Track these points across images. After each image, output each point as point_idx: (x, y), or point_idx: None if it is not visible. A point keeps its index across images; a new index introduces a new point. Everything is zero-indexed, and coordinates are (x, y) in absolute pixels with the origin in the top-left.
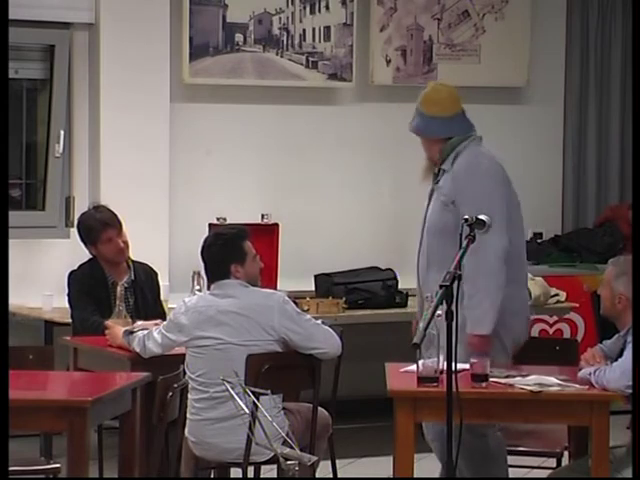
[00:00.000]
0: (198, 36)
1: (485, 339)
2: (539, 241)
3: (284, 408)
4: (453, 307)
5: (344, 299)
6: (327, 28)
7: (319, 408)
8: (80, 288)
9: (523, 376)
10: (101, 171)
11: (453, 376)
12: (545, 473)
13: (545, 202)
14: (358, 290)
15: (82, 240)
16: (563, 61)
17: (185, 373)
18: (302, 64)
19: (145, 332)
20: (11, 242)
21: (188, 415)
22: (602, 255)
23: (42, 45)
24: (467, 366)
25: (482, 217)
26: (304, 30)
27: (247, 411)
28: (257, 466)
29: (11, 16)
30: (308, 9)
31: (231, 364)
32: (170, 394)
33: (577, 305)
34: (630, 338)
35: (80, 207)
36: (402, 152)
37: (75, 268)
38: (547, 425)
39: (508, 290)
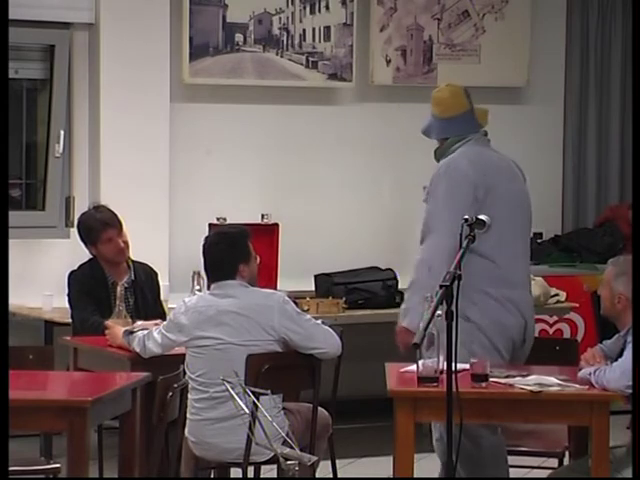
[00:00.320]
0: (198, 36)
1: (408, 333)
2: (539, 241)
3: (284, 408)
4: (453, 307)
5: (344, 299)
6: (327, 28)
7: (319, 408)
8: (80, 288)
9: (523, 376)
10: (101, 171)
11: (453, 376)
12: (545, 473)
13: (545, 202)
14: (358, 290)
15: (82, 240)
16: (563, 61)
17: (185, 373)
18: (302, 64)
19: (145, 332)
20: (11, 242)
21: (188, 415)
22: (602, 255)
23: (42, 45)
24: (467, 366)
25: (482, 217)
26: (304, 30)
27: (247, 411)
28: (257, 466)
29: (11, 16)
30: (308, 9)
31: (231, 364)
32: (170, 394)
33: (577, 305)
34: (630, 338)
35: (80, 207)
36: (402, 152)
37: (75, 268)
38: (547, 425)
39: (498, 291)
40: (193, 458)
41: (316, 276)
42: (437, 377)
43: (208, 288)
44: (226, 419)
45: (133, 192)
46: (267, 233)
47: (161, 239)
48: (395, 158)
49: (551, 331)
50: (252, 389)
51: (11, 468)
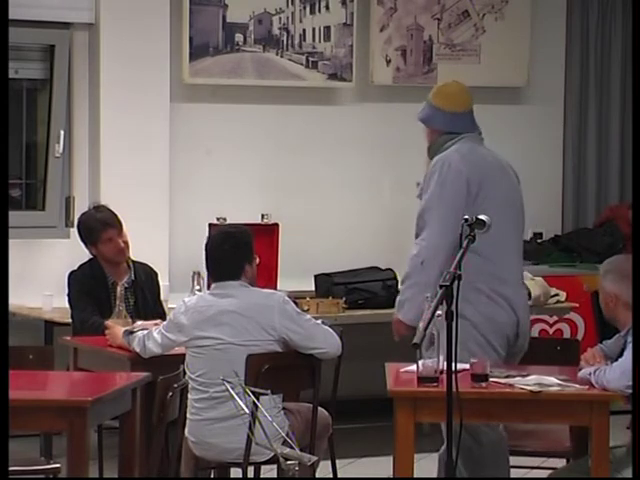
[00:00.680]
0: (198, 36)
1: (402, 324)
2: (539, 241)
3: (284, 408)
4: (453, 307)
5: (344, 299)
6: (327, 28)
7: (319, 408)
8: (80, 288)
9: (523, 376)
10: (101, 171)
11: (453, 376)
12: (545, 473)
13: (545, 202)
14: (358, 290)
15: (82, 240)
16: (563, 61)
17: (185, 373)
18: (302, 64)
19: (145, 332)
20: (11, 242)
21: (188, 415)
22: (602, 255)
23: (42, 45)
24: (467, 366)
25: (482, 217)
26: (304, 30)
27: (247, 411)
28: (257, 466)
29: (11, 16)
30: (308, 9)
31: (231, 364)
32: (170, 394)
33: (577, 305)
34: (630, 338)
35: (80, 207)
36: (402, 152)
37: (75, 268)
38: (548, 425)
39: (490, 287)
40: (193, 458)
41: (316, 276)
42: (437, 377)
43: (208, 288)
44: (226, 419)
45: (133, 192)
46: (267, 233)
47: (161, 239)
48: (395, 158)
49: (551, 331)
50: (252, 389)
51: (11, 468)
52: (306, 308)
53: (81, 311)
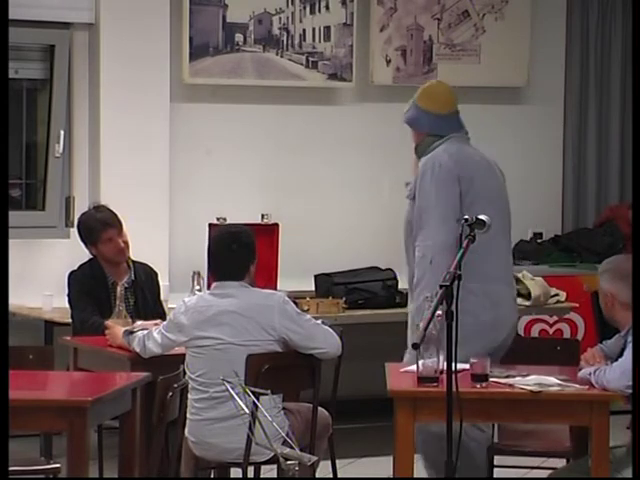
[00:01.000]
0: (198, 36)
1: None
2: (539, 241)
3: (284, 408)
4: (453, 307)
5: (344, 299)
6: (327, 28)
7: (319, 408)
8: (80, 288)
9: (523, 376)
10: (101, 171)
11: (453, 376)
12: (545, 473)
13: (545, 202)
14: (358, 290)
15: (82, 240)
16: (563, 61)
17: (185, 373)
18: (302, 64)
19: (145, 332)
20: (11, 242)
21: (188, 415)
22: (602, 255)
23: (42, 45)
24: (467, 366)
25: (482, 217)
26: (304, 30)
27: (247, 411)
28: (257, 466)
29: (11, 16)
30: (308, 9)
31: (231, 364)
32: (170, 394)
33: (577, 305)
34: (630, 338)
35: (80, 207)
36: (402, 152)
37: (75, 268)
38: (547, 425)
39: (474, 284)
40: (193, 458)
41: (316, 276)
42: (437, 377)
43: (208, 288)
44: (226, 419)
45: (133, 192)
46: (267, 233)
47: (161, 239)
48: (395, 158)
49: (551, 331)
50: (252, 389)
51: (11, 468)
52: (306, 308)
53: (81, 311)
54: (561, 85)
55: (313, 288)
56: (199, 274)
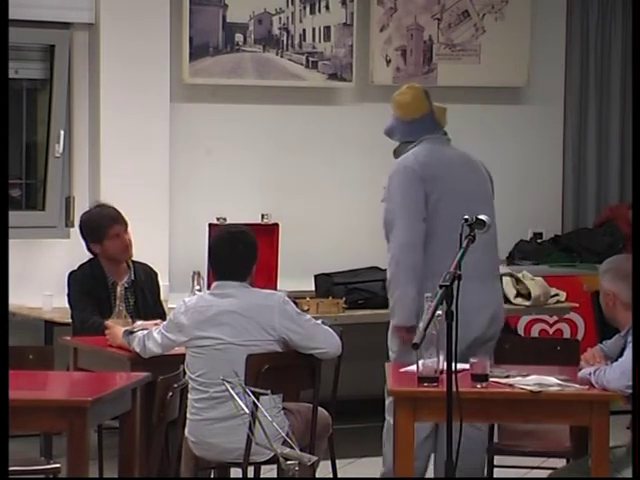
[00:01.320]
0: (198, 36)
1: (401, 329)
2: (539, 241)
3: (284, 408)
4: (453, 307)
5: (344, 299)
6: (327, 28)
7: (319, 408)
8: (80, 288)
9: (523, 376)
10: (101, 171)
11: (453, 376)
12: (545, 473)
13: (545, 202)
14: (358, 290)
15: (86, 238)
16: (563, 61)
17: (185, 373)
18: (302, 64)
19: (145, 332)
20: (11, 242)
21: (188, 415)
22: (602, 255)
23: (42, 45)
24: (467, 366)
25: (482, 217)
26: (304, 30)
27: (247, 411)
28: (257, 466)
29: (11, 16)
30: (308, 9)
31: (231, 364)
32: (170, 394)
33: (577, 305)
34: (630, 338)
35: (80, 207)
36: None
37: (75, 268)
38: (547, 425)
39: (436, 281)
40: (193, 458)
41: (316, 276)
42: (437, 377)
43: (208, 288)
44: (226, 419)
45: (133, 192)
46: (267, 233)
47: (161, 239)
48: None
49: (551, 331)
50: (252, 389)
51: (11, 468)
52: (306, 308)
53: (81, 311)
54: (561, 85)
55: (313, 288)
56: (199, 274)
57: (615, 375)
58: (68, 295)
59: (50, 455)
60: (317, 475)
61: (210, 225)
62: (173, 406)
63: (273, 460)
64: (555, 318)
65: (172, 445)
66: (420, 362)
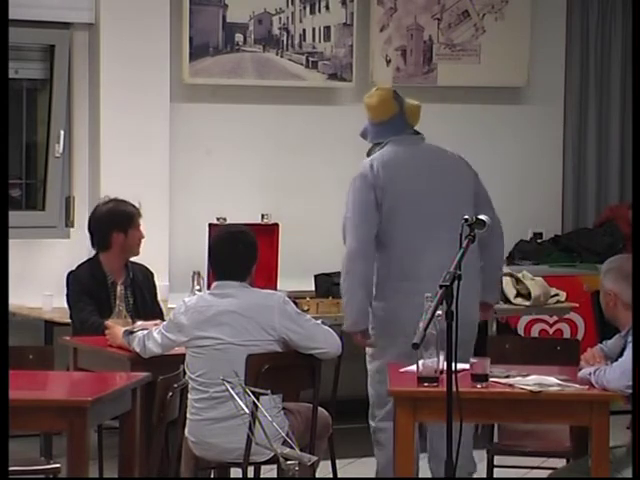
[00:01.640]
0: (198, 36)
1: (356, 334)
2: (539, 241)
3: (284, 408)
4: (453, 307)
5: None
6: (327, 28)
7: (319, 408)
8: (80, 288)
9: (523, 376)
10: (101, 171)
11: (453, 376)
12: (545, 473)
13: (545, 202)
14: None
15: (110, 226)
16: (563, 61)
17: (185, 373)
18: (302, 64)
19: (145, 332)
20: (11, 242)
21: (188, 415)
22: (602, 255)
23: (42, 45)
24: (467, 366)
25: (482, 217)
26: (304, 30)
27: (247, 411)
28: (257, 466)
29: (11, 16)
30: (308, 9)
31: (231, 364)
32: (170, 394)
33: (577, 305)
34: (630, 338)
35: (80, 207)
36: None
37: (74, 268)
38: (547, 425)
39: (402, 284)
40: (193, 458)
41: (316, 276)
42: (437, 377)
43: (208, 288)
44: (226, 419)
45: (133, 192)
46: (267, 233)
47: (161, 239)
48: None
49: (551, 331)
50: (252, 389)
51: (11, 468)
52: (306, 308)
53: (81, 311)
54: (561, 85)
55: (313, 288)
56: (199, 274)
57: (615, 375)
58: (67, 295)
59: (50, 455)
60: (317, 475)
61: (210, 225)
62: (173, 406)
63: (273, 460)
64: (555, 318)
65: (172, 445)
66: (420, 362)
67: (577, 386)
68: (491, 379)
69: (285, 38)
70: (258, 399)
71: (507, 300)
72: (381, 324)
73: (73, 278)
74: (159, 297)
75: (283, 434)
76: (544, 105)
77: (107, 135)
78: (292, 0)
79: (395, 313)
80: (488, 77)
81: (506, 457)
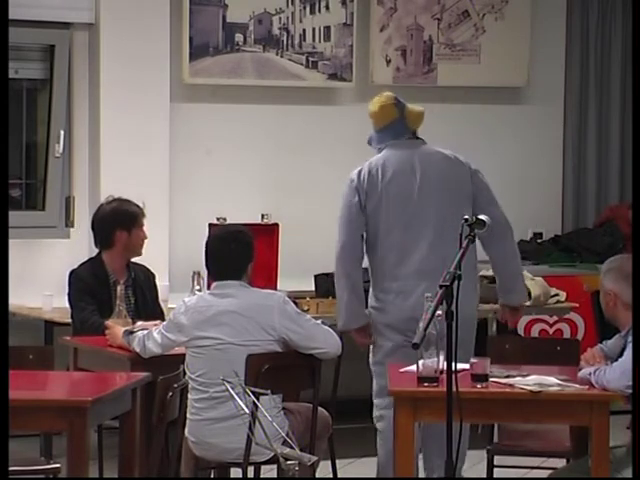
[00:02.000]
0: (198, 36)
1: (353, 332)
2: (539, 241)
3: (284, 408)
4: (453, 307)
5: None
6: (327, 28)
7: (319, 408)
8: (81, 287)
9: (523, 376)
10: (101, 171)
11: (453, 376)
12: (545, 473)
13: (545, 202)
14: None
15: (115, 224)
16: (563, 61)
17: (185, 373)
18: (302, 64)
19: (145, 332)
20: (11, 242)
21: (188, 415)
22: (602, 255)
23: (42, 45)
24: (467, 366)
25: (482, 217)
26: (304, 30)
27: (247, 411)
28: (257, 466)
29: (11, 16)
30: (308, 9)
31: (231, 364)
32: (170, 394)
33: (577, 305)
34: (630, 338)
35: (80, 207)
36: None
37: (75, 267)
38: (547, 425)
39: (389, 284)
40: (193, 458)
41: (316, 276)
42: (437, 377)
43: (208, 288)
44: (226, 419)
45: (133, 192)
46: (267, 233)
47: (161, 239)
48: None
49: (551, 331)
50: (252, 389)
51: (11, 468)
52: (306, 308)
53: (81, 311)
54: (561, 85)
55: (313, 288)
56: (199, 274)
57: (615, 375)
58: (68, 294)
59: (50, 455)
60: (317, 475)
61: (210, 225)
62: (173, 406)
63: (273, 460)
64: (555, 318)
65: (172, 445)
66: (420, 362)
67: (577, 386)
68: (491, 379)
69: (285, 38)
70: (258, 399)
71: None
72: (374, 323)
73: (75, 277)
74: (159, 297)
75: (283, 434)
76: (544, 105)
77: (107, 135)
78: (292, 0)
79: (384, 313)
80: (488, 77)
81: (506, 457)
